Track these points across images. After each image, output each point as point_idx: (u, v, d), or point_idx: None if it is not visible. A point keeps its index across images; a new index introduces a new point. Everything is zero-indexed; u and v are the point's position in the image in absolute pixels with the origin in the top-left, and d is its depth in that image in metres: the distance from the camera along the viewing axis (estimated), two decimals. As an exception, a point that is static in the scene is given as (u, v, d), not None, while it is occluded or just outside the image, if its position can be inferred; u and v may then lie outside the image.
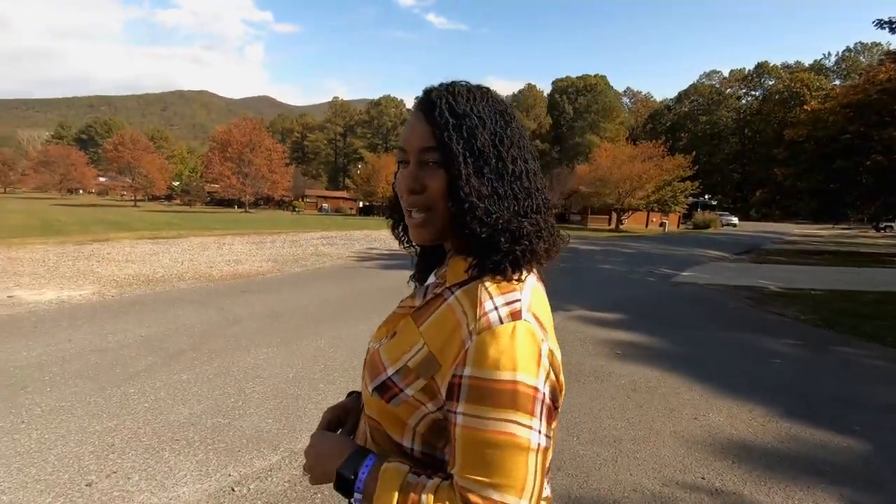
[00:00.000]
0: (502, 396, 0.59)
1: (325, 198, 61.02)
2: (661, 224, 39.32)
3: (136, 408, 3.11)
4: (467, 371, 0.61)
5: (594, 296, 7.60)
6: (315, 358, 4.18)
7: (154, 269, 8.60)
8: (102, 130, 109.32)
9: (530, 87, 74.18)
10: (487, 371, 0.60)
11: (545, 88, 75.92)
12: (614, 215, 35.50)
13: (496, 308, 0.62)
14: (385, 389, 0.68)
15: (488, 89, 0.71)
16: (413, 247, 0.82)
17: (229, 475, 2.40)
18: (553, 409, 0.64)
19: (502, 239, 0.65)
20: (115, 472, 2.38)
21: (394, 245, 0.84)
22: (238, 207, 50.09)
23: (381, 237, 17.08)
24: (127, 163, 54.94)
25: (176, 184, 69.35)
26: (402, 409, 0.67)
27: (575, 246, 18.18)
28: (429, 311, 0.68)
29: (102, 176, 73.93)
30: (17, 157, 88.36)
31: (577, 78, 79.58)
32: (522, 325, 0.62)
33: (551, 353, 0.64)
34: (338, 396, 1.46)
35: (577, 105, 73.97)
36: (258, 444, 2.71)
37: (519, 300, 0.64)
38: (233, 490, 2.29)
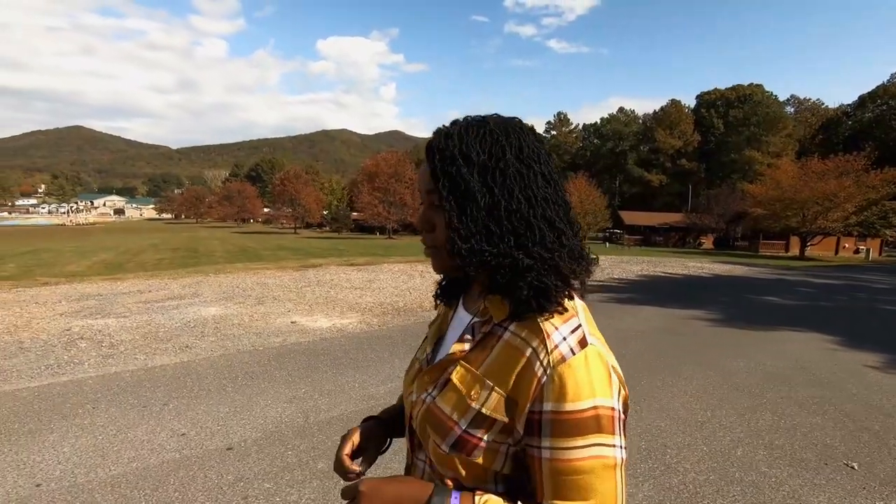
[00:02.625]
0: (587, 424, 0.60)
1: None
2: (858, 250, 32.92)
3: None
4: (547, 406, 0.61)
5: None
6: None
7: (389, 298, 8.86)
8: (268, 168, 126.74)
9: (674, 104, 68.73)
10: (568, 404, 0.60)
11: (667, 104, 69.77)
12: (794, 240, 30.50)
13: (564, 339, 0.63)
14: (463, 445, 0.65)
15: (487, 120, 0.69)
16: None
17: None
18: (624, 421, 0.65)
19: (498, 277, 0.65)
20: None
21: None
22: (379, 234, 53.67)
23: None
24: (290, 195, 62.58)
25: (325, 212, 77.25)
26: (487, 457, 0.65)
27: (803, 278, 15.58)
28: (485, 352, 0.67)
29: (268, 207, 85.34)
30: (205, 192, 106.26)
31: (727, 89, 71.99)
32: (592, 350, 0.63)
33: (615, 368, 0.65)
34: None
35: (730, 118, 66.70)
36: None
37: (580, 325, 0.64)
38: None
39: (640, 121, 77.87)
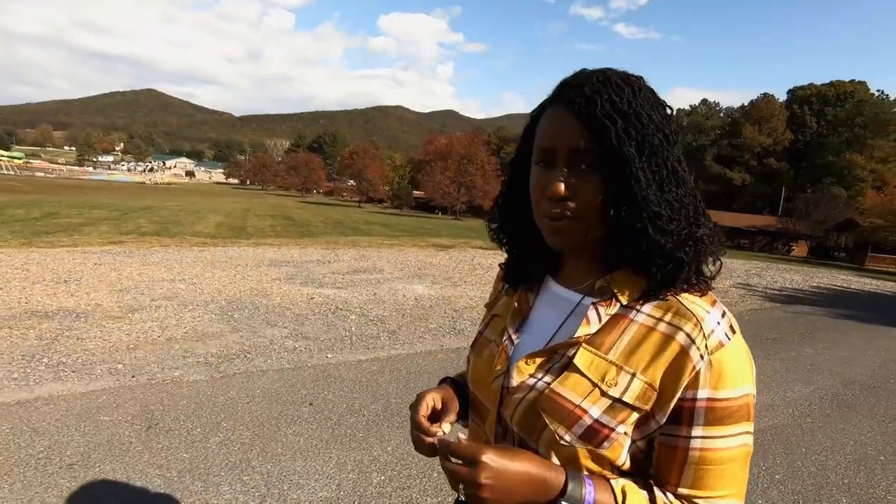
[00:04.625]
0: (740, 412, 0.58)
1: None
2: None
3: None
4: (703, 394, 0.58)
5: None
6: None
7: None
8: (330, 140, 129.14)
9: (766, 98, 63.96)
10: (727, 390, 0.58)
11: (735, 100, 64.77)
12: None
13: (718, 323, 0.59)
14: (593, 435, 0.60)
15: (641, 77, 0.62)
16: (514, 249, 0.76)
17: None
18: None
19: (686, 249, 0.60)
20: None
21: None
22: (441, 213, 53.56)
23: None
24: (358, 169, 63.37)
25: (387, 188, 78.02)
26: (614, 450, 0.60)
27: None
28: (614, 336, 0.62)
29: (329, 180, 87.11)
30: (271, 160, 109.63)
31: (825, 85, 66.42)
32: (739, 337, 0.60)
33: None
34: None
35: (827, 117, 61.48)
36: None
37: (726, 311, 0.62)
38: None
39: (722, 115, 73.18)
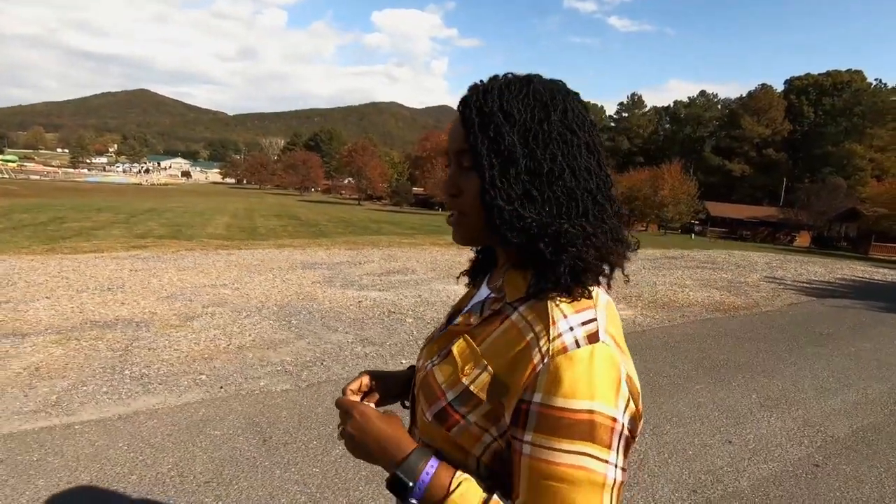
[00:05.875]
0: (577, 427, 0.54)
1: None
2: None
3: None
4: (538, 398, 0.55)
5: None
6: None
7: (616, 289, 8.47)
8: (326, 138, 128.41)
9: (765, 89, 64.04)
10: (561, 399, 0.54)
11: (730, 92, 64.85)
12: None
13: (571, 329, 0.57)
14: (445, 417, 0.62)
15: (531, 79, 0.63)
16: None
17: None
18: (631, 440, 0.58)
19: (541, 246, 0.59)
20: None
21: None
22: (441, 210, 53.59)
23: (747, 259, 15.49)
24: (357, 167, 63.16)
25: (385, 186, 77.80)
26: (465, 439, 0.62)
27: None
28: (489, 329, 0.64)
29: (327, 178, 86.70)
30: (268, 159, 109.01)
31: (821, 75, 66.57)
32: (601, 348, 0.57)
33: (630, 378, 0.58)
34: None
35: (825, 107, 61.74)
36: None
37: (595, 319, 0.59)
38: None
39: (719, 106, 73.30)
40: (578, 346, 0.56)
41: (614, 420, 0.55)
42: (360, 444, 0.65)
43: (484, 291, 0.72)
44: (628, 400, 0.57)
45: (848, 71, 65.27)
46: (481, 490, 0.58)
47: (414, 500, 0.59)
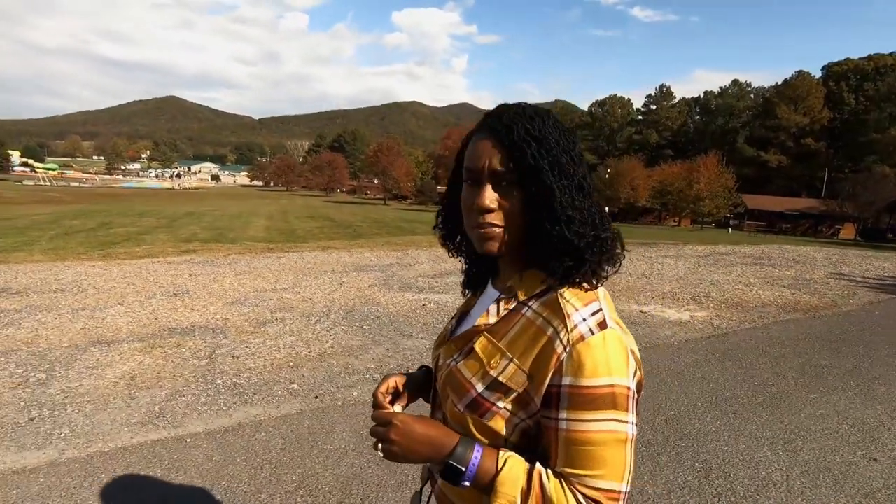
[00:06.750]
0: (603, 400, 0.64)
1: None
2: None
3: None
4: (566, 381, 0.65)
5: None
6: None
7: (686, 288, 8.18)
8: (350, 139, 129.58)
9: (801, 75, 61.53)
10: (586, 379, 0.64)
11: (758, 80, 62.19)
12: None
13: (584, 320, 0.67)
14: (476, 406, 0.71)
15: (550, 111, 0.73)
16: (463, 257, 0.87)
17: None
18: (637, 401, 0.70)
19: (593, 250, 0.70)
20: None
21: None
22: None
23: (805, 254, 14.83)
24: (383, 166, 63.46)
25: (410, 185, 78.02)
26: (496, 422, 0.70)
27: None
28: (507, 327, 0.72)
29: (352, 178, 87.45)
30: (294, 161, 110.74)
31: (862, 59, 63.66)
32: (611, 333, 0.67)
33: (633, 352, 0.70)
34: None
35: (867, 93, 58.99)
36: None
37: (601, 309, 0.69)
38: None
39: (752, 95, 70.82)
40: (592, 333, 0.66)
41: (628, 388, 0.66)
42: (408, 448, 0.71)
43: (492, 293, 0.80)
44: (635, 370, 0.69)
45: (892, 54, 62.23)
46: (524, 462, 0.67)
47: (466, 483, 0.68)
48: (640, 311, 6.14)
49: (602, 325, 0.67)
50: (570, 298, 0.69)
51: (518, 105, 0.74)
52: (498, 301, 0.76)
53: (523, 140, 0.68)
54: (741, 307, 6.65)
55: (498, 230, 0.71)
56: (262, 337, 4.62)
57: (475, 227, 0.73)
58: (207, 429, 2.87)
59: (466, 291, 0.92)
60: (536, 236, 0.70)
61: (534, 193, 0.68)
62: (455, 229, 0.85)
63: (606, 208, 0.78)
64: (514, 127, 0.69)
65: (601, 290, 0.72)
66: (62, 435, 2.74)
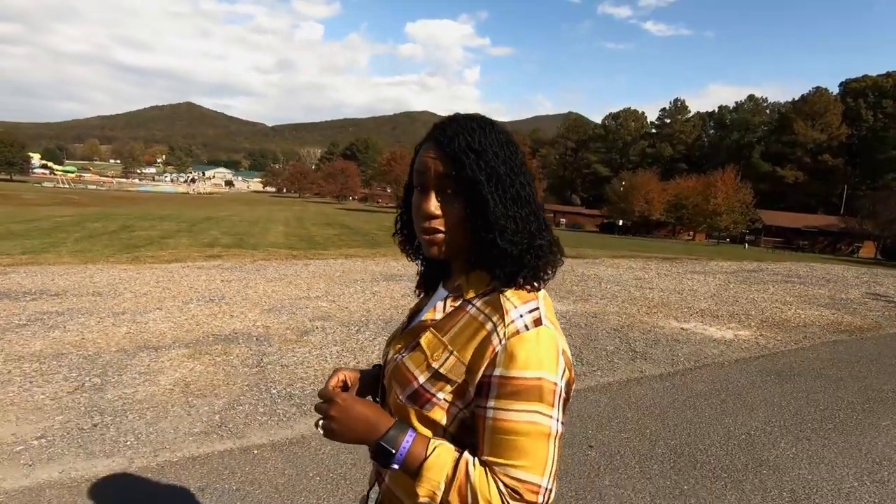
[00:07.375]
0: (530, 392, 0.67)
1: (563, 213, 60.53)
2: None
3: None
4: (497, 371, 0.68)
5: None
6: None
7: (725, 306, 8.02)
8: (362, 147, 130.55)
9: (819, 92, 61.14)
10: (516, 371, 0.67)
11: (771, 95, 61.71)
12: None
13: (521, 316, 0.71)
14: (417, 397, 0.74)
15: (493, 121, 0.77)
16: (420, 261, 0.90)
17: None
18: (566, 400, 0.72)
19: (529, 256, 0.73)
20: None
21: None
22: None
23: (830, 272, 14.63)
24: (396, 175, 63.77)
25: (421, 194, 77.88)
26: (436, 413, 0.73)
27: None
28: (451, 322, 0.76)
29: (364, 186, 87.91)
30: (307, 168, 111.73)
31: (881, 76, 63.09)
32: (545, 330, 0.70)
33: (564, 352, 0.73)
34: None
35: (885, 109, 58.38)
36: None
37: (538, 308, 0.73)
38: None
39: (768, 110, 70.40)
40: (527, 329, 0.69)
41: (556, 385, 0.69)
42: (345, 425, 0.72)
43: (442, 293, 0.84)
44: (565, 369, 0.71)
45: (911, 70, 61.69)
46: (454, 450, 0.70)
47: (396, 465, 0.70)
48: (682, 328, 6.02)
49: (537, 322, 0.71)
50: (511, 297, 0.73)
51: (465, 116, 0.77)
52: (445, 299, 0.80)
53: (462, 152, 0.71)
54: (783, 327, 6.50)
55: (440, 235, 0.75)
56: (306, 346, 4.57)
57: (421, 231, 0.77)
58: (272, 440, 2.81)
59: (419, 292, 0.95)
60: (478, 242, 0.74)
61: (473, 203, 0.72)
62: (413, 234, 0.87)
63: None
64: (455, 139, 0.72)
65: (542, 293, 0.76)
66: (128, 443, 2.69)
